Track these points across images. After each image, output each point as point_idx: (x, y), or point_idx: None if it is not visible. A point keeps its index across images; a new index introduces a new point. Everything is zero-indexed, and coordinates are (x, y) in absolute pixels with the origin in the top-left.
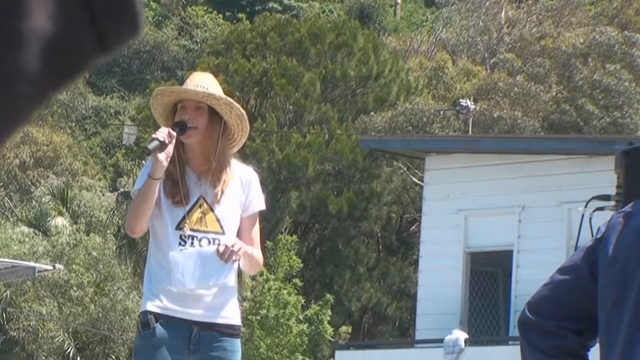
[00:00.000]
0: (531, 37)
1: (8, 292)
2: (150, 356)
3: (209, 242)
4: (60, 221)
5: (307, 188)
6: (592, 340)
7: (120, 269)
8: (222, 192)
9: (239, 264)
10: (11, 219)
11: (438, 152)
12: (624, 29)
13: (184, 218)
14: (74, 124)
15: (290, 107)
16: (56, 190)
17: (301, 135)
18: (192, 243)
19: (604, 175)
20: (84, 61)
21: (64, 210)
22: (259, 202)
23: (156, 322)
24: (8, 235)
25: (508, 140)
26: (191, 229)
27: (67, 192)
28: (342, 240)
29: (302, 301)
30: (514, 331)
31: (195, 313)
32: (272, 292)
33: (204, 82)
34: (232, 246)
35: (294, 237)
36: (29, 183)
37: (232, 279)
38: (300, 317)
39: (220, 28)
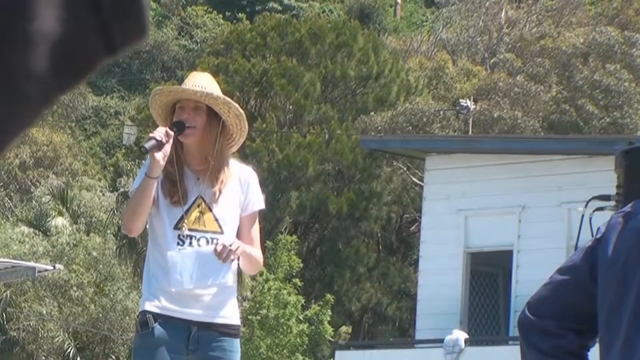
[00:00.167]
0: (531, 37)
1: (8, 292)
2: (149, 356)
3: (208, 241)
4: (60, 221)
5: (307, 188)
6: (592, 340)
7: (120, 269)
8: (221, 191)
9: (238, 264)
10: (11, 219)
11: (438, 152)
12: (624, 29)
13: (182, 218)
14: (74, 124)
15: (290, 107)
16: (56, 190)
17: (301, 135)
18: (190, 243)
19: (604, 175)
20: (91, 62)
21: (64, 210)
22: (258, 202)
23: (155, 322)
24: (8, 235)
25: (508, 140)
26: (189, 229)
27: (67, 192)
28: (342, 240)
29: (302, 301)
30: (514, 331)
31: (194, 313)
32: (272, 292)
33: (202, 82)
34: (230, 245)
35: (294, 237)
36: (29, 183)
37: (230, 279)
38: (300, 317)
39: (220, 28)
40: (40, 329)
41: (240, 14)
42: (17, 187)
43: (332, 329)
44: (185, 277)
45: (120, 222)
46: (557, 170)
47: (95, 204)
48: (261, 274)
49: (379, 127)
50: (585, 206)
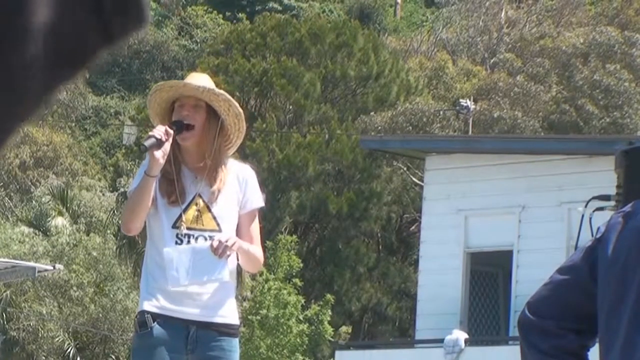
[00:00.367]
0: (531, 37)
1: (8, 292)
2: (148, 356)
3: (206, 240)
4: (60, 221)
5: (307, 188)
6: (591, 340)
7: (120, 269)
8: (219, 190)
9: (238, 262)
10: (11, 219)
11: (438, 152)
12: (624, 29)
13: (180, 217)
14: (74, 124)
15: (290, 107)
16: (56, 190)
17: (301, 135)
18: (188, 241)
19: (604, 175)
20: (90, 53)
21: (64, 210)
22: (256, 199)
23: (153, 322)
24: (8, 235)
25: (508, 140)
26: (188, 228)
27: (67, 192)
28: (342, 240)
29: (302, 301)
30: (514, 331)
31: (192, 312)
32: (272, 292)
33: (201, 82)
34: (226, 241)
35: (294, 237)
36: (29, 183)
37: (226, 275)
38: (300, 317)
39: (220, 28)
40: (40, 329)
41: (240, 14)
42: (17, 187)
43: (332, 329)
44: (182, 273)
45: (120, 222)
46: (557, 170)
47: (95, 204)
48: (261, 274)
49: (379, 127)
50: (585, 206)
